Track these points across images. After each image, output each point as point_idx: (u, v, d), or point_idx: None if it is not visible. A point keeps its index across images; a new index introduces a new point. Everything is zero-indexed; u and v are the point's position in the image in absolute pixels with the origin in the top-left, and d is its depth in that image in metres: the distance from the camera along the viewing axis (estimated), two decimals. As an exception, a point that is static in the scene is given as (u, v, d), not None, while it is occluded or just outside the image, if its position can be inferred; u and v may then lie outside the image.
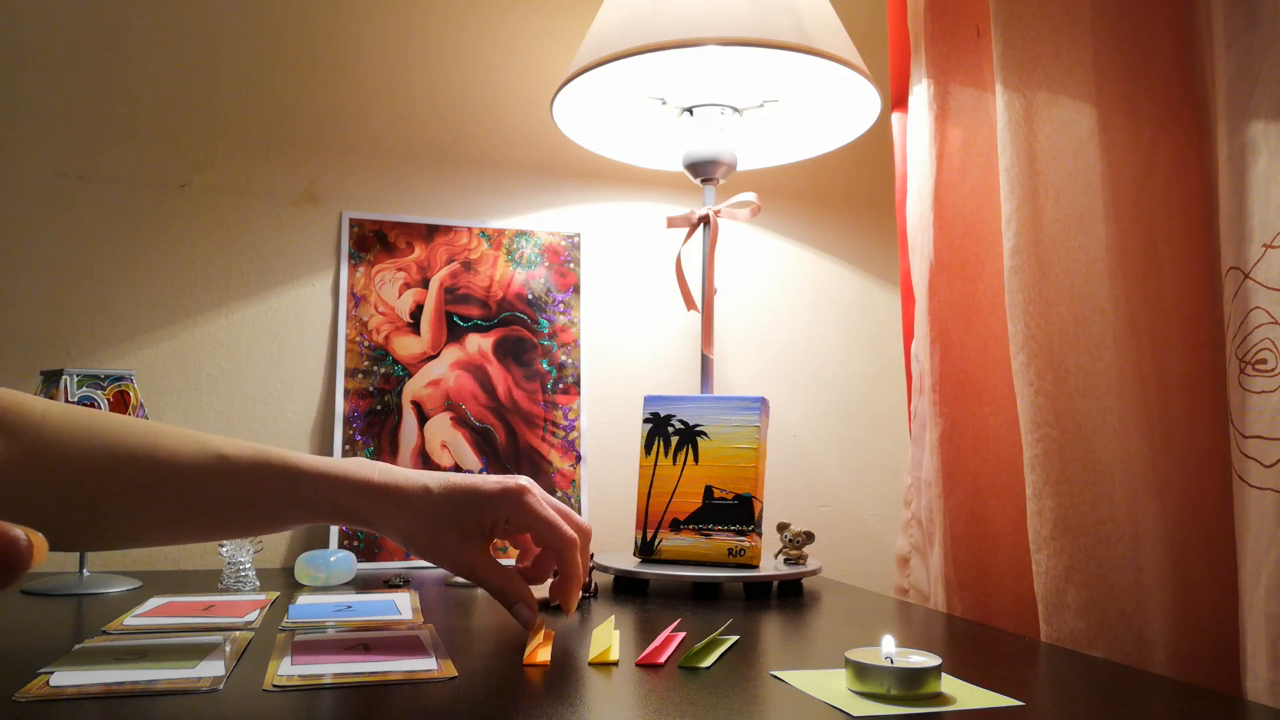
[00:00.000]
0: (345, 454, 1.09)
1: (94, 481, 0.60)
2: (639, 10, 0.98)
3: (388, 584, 0.93)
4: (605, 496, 1.20)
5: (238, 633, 0.69)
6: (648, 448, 0.98)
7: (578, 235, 1.22)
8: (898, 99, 1.08)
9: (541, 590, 0.82)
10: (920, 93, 1.03)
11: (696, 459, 0.96)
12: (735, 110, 1.08)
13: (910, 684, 0.53)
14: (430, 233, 1.17)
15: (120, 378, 0.93)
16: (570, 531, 0.66)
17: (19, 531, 0.33)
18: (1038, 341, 0.83)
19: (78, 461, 0.60)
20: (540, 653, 0.62)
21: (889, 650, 0.56)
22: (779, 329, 1.30)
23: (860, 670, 0.55)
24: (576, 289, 1.21)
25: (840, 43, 1.00)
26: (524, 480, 0.67)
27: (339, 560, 0.94)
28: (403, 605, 0.81)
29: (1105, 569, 0.80)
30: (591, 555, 0.91)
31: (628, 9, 0.99)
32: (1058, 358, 0.83)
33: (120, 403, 0.92)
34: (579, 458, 1.17)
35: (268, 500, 0.63)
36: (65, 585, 0.88)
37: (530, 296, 1.19)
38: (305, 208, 1.15)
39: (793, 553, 0.95)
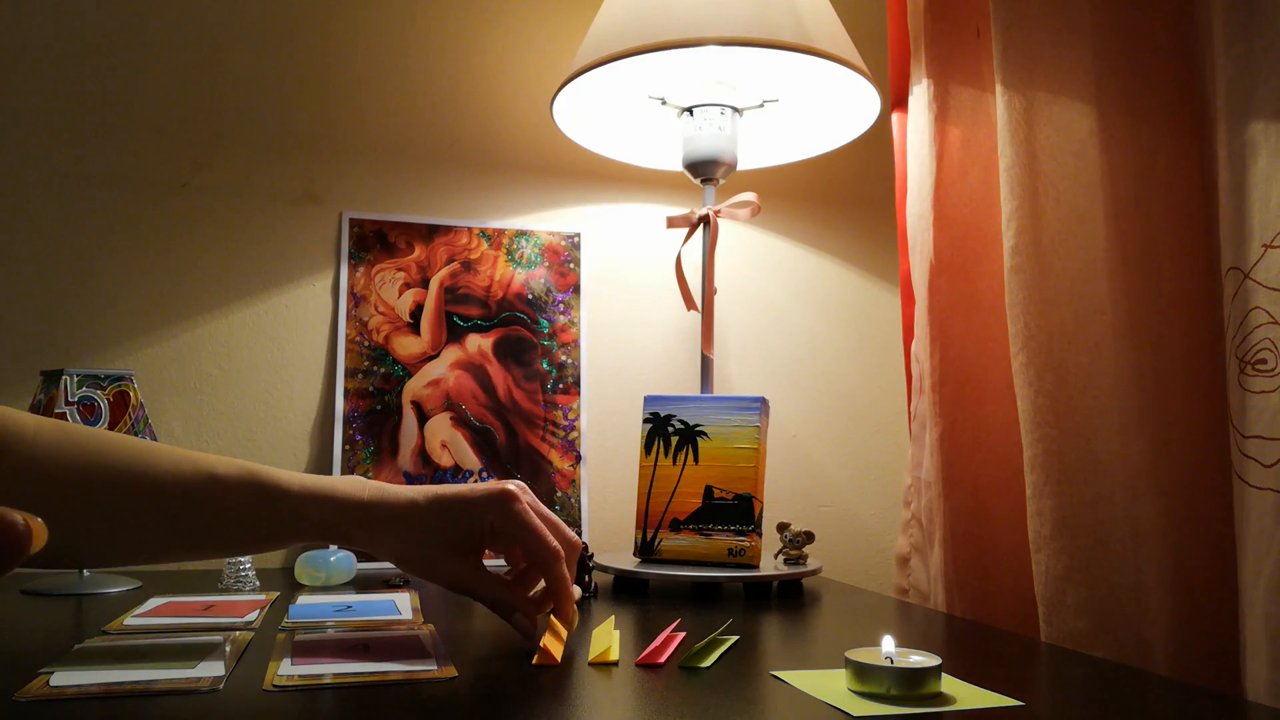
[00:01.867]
0: (345, 454, 1.09)
1: (83, 499, 0.60)
2: (639, 10, 0.98)
3: (388, 584, 0.93)
4: (605, 496, 1.19)
5: (238, 633, 0.69)
6: (648, 448, 0.98)
7: (578, 235, 1.22)
8: (898, 99, 1.08)
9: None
10: (920, 93, 1.03)
11: (696, 459, 0.96)
12: (735, 110, 1.08)
13: (910, 684, 0.53)
14: (430, 233, 1.17)
15: (120, 378, 0.93)
16: (554, 543, 0.63)
17: (17, 516, 0.33)
18: (1038, 341, 0.83)
19: (67, 478, 0.59)
20: (552, 649, 0.62)
21: (889, 650, 0.56)
22: (779, 329, 1.30)
23: (860, 670, 0.55)
24: (576, 289, 1.21)
25: (840, 43, 1.00)
26: (513, 485, 0.64)
27: (339, 560, 0.94)
28: (403, 605, 0.81)
29: (1105, 569, 0.80)
30: (591, 555, 0.91)
31: (628, 9, 0.99)
32: (1058, 358, 0.83)
33: (120, 403, 0.92)
34: (579, 458, 1.17)
35: (256, 521, 0.63)
36: (65, 585, 0.88)
37: (530, 296, 1.19)
38: (305, 208, 1.15)
39: (793, 553, 0.95)
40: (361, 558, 1.05)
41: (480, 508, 0.64)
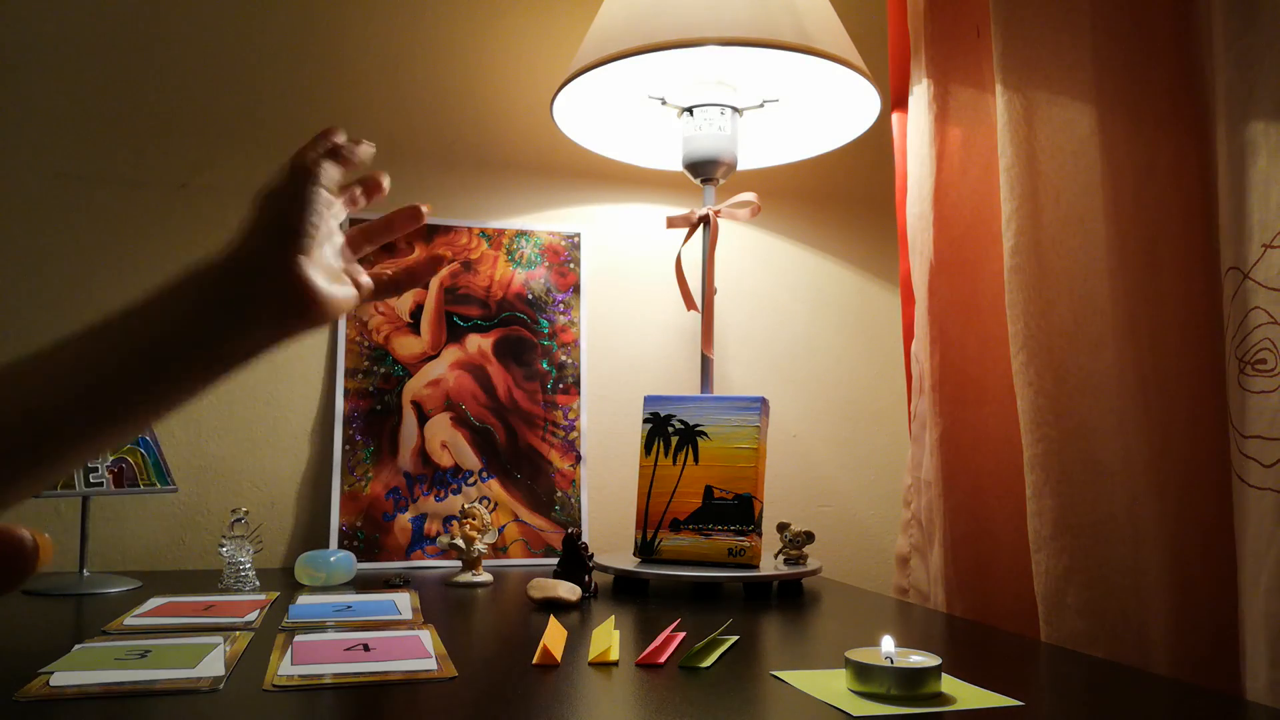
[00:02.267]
0: (345, 454, 1.09)
1: None
2: (639, 10, 0.98)
3: (388, 584, 0.93)
4: (605, 496, 1.19)
5: (238, 633, 0.69)
6: (648, 448, 0.98)
7: (578, 235, 1.22)
8: (898, 99, 1.08)
9: (545, 590, 0.82)
10: (920, 93, 1.03)
11: (696, 459, 0.96)
12: (735, 110, 1.08)
13: (910, 684, 0.53)
14: (430, 233, 1.17)
15: (120, 378, 0.93)
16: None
17: (25, 532, 0.33)
18: (1038, 341, 0.83)
19: None
20: (552, 648, 0.62)
21: (889, 650, 0.56)
22: (779, 329, 1.30)
23: (860, 670, 0.55)
24: (576, 289, 1.21)
25: (840, 43, 1.00)
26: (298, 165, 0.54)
27: (339, 560, 0.94)
28: (403, 605, 0.81)
29: (1105, 569, 0.80)
30: (591, 555, 0.91)
31: (628, 9, 0.99)
32: (1058, 357, 0.83)
33: (120, 403, 0.92)
34: (579, 458, 1.17)
35: (89, 371, 0.47)
36: (65, 585, 0.88)
37: (530, 296, 1.19)
38: (305, 208, 1.15)
39: (793, 553, 0.95)
40: (361, 557, 1.05)
41: (278, 188, 0.53)
